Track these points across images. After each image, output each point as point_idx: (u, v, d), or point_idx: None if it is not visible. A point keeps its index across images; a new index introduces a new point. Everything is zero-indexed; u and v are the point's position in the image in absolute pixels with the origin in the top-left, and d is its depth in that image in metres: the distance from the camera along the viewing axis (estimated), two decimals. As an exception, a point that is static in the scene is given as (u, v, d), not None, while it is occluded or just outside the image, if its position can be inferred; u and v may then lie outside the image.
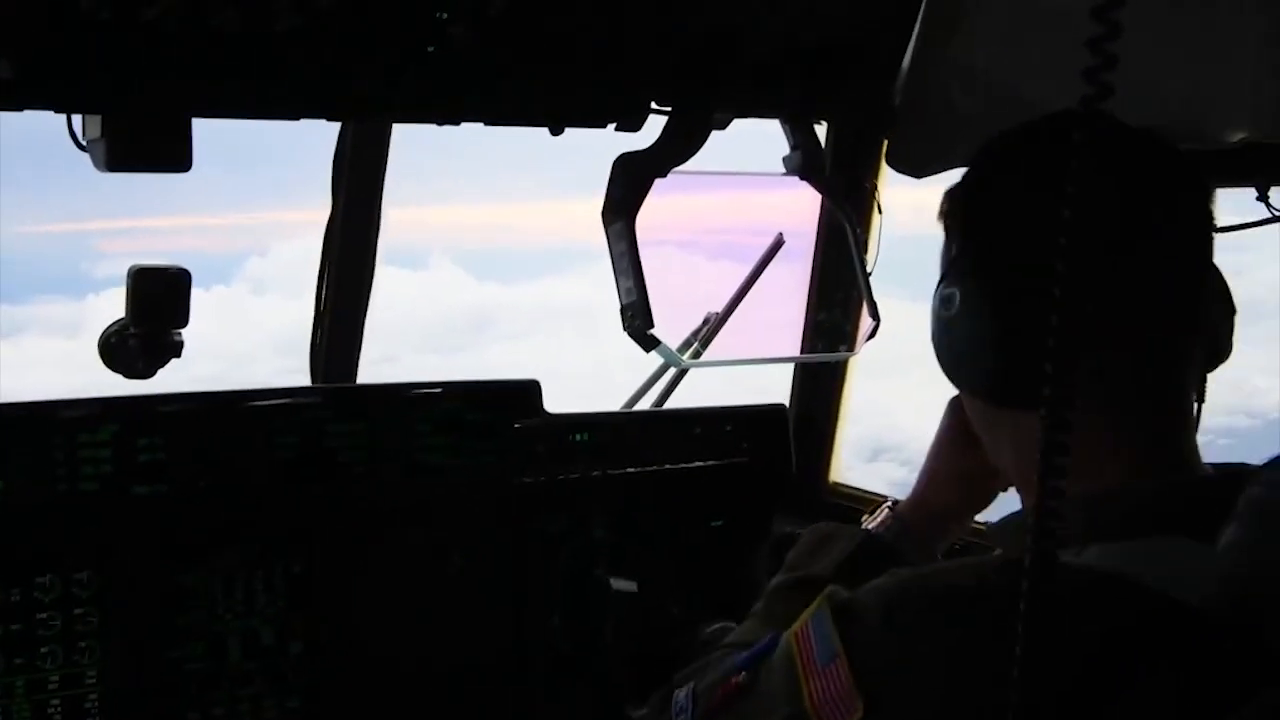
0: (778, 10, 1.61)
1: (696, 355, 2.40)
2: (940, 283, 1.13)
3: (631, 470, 2.28)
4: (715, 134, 1.77)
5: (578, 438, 2.25)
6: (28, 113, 1.29)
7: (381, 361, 2.70)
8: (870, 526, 1.52)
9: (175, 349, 1.82)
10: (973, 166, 1.19)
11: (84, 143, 1.39)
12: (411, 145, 2.28)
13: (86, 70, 1.26)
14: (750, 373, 2.35)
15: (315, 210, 2.20)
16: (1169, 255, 1.07)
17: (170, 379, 1.86)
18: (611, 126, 1.67)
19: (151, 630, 1.91)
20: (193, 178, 1.39)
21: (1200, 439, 1.11)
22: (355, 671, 2.08)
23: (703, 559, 2.37)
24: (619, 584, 2.15)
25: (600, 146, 1.71)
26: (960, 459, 1.43)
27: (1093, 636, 0.89)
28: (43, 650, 1.84)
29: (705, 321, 2.44)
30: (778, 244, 2.47)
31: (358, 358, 2.29)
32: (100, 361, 1.81)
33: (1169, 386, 1.08)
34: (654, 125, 1.70)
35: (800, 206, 2.46)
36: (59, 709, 1.85)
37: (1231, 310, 1.18)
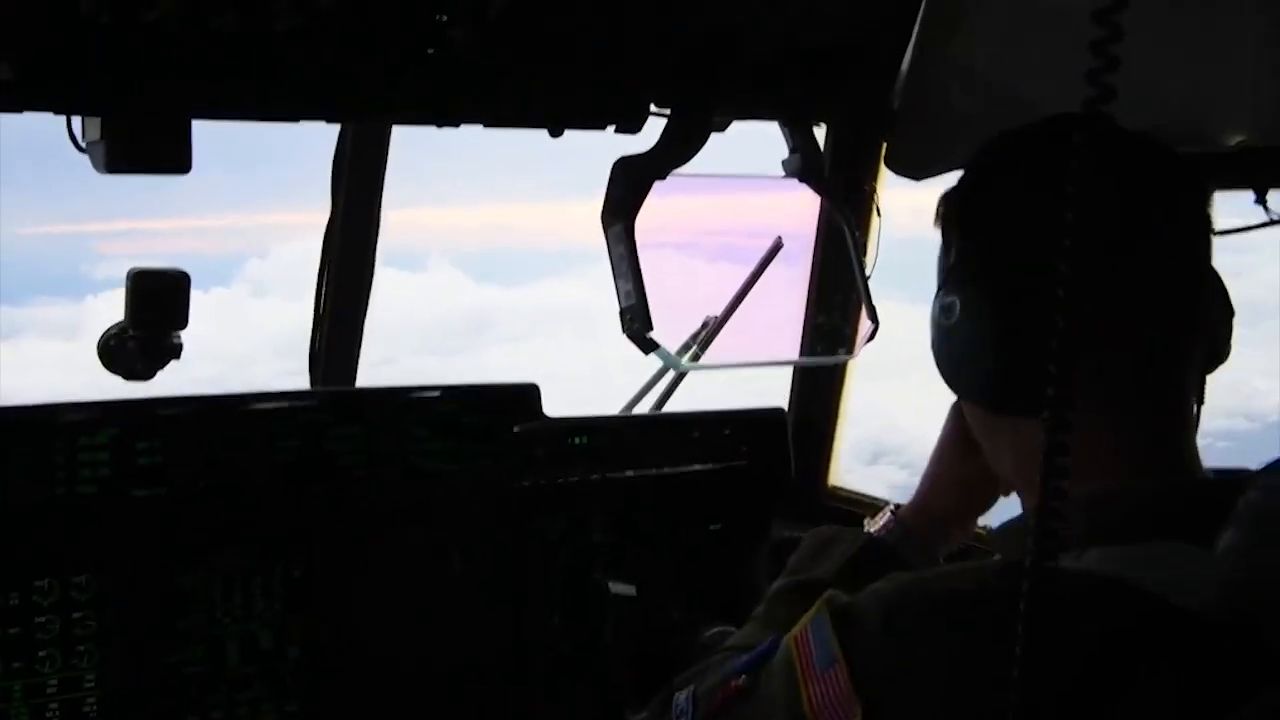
0: (777, 11, 1.61)
1: (695, 358, 2.40)
2: (939, 291, 1.14)
3: (631, 473, 2.28)
4: (714, 137, 1.77)
5: (577, 441, 2.24)
6: (28, 114, 1.29)
7: (380, 363, 2.70)
8: (872, 530, 1.52)
9: (175, 351, 1.82)
10: (970, 168, 1.19)
11: (84, 144, 1.39)
12: (411, 147, 2.28)
13: (86, 72, 1.26)
14: (749, 375, 2.36)
15: (315, 212, 2.20)
16: (1169, 255, 1.07)
17: (170, 381, 1.87)
18: (611, 128, 1.67)
19: (150, 634, 1.91)
20: (192, 179, 1.39)
21: (1200, 441, 1.11)
22: (354, 675, 2.07)
23: (702, 562, 2.37)
24: (618, 587, 2.15)
25: (600, 149, 1.71)
26: (962, 464, 1.43)
27: (1092, 637, 0.90)
28: (41, 654, 1.83)
29: (704, 324, 2.45)
30: (777, 247, 2.47)
31: (357, 359, 2.29)
32: (100, 363, 1.81)
33: (1169, 387, 1.08)
34: (653, 128, 1.70)
35: (799, 209, 2.46)
36: (57, 713, 1.84)
37: (1230, 312, 1.18)
